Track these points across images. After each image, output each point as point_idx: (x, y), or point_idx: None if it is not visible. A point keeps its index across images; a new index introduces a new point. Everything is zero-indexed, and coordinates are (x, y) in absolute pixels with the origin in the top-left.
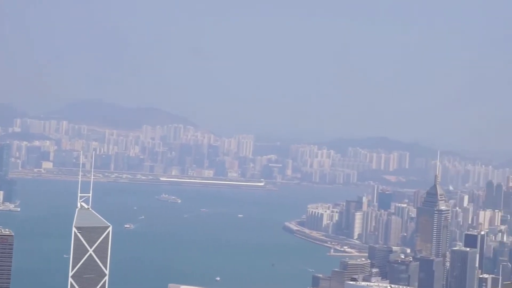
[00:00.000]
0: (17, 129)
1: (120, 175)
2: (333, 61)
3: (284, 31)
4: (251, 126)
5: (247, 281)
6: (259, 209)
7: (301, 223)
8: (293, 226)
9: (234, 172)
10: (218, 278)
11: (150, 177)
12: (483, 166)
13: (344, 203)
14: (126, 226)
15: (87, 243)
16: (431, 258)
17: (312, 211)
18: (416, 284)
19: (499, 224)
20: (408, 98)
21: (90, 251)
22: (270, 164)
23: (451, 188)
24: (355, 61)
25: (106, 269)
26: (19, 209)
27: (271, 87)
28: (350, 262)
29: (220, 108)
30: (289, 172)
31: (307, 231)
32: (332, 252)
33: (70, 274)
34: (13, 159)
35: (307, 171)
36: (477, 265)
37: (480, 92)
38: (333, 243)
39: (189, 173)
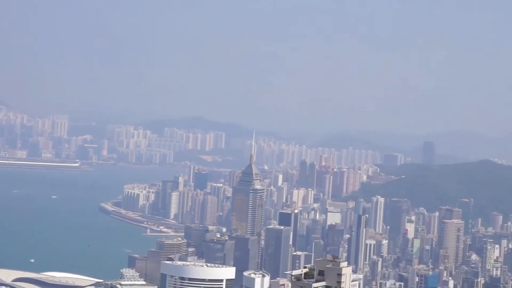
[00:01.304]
0: None
1: None
2: (153, 43)
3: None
4: (66, 106)
5: (62, 262)
6: (74, 190)
7: (117, 204)
8: (109, 207)
9: (49, 153)
10: (32, 260)
11: None
12: (297, 145)
13: (161, 183)
14: None
15: None
16: (247, 236)
17: (128, 192)
18: (232, 262)
19: (312, 202)
20: (225, 79)
21: None
22: (85, 145)
23: (266, 167)
24: (175, 43)
25: None
26: None
27: (88, 66)
28: (167, 242)
29: (34, 88)
30: (105, 152)
31: (123, 211)
32: (148, 232)
33: None
34: None
35: (123, 152)
36: (291, 242)
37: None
38: (149, 223)
39: (1, 154)
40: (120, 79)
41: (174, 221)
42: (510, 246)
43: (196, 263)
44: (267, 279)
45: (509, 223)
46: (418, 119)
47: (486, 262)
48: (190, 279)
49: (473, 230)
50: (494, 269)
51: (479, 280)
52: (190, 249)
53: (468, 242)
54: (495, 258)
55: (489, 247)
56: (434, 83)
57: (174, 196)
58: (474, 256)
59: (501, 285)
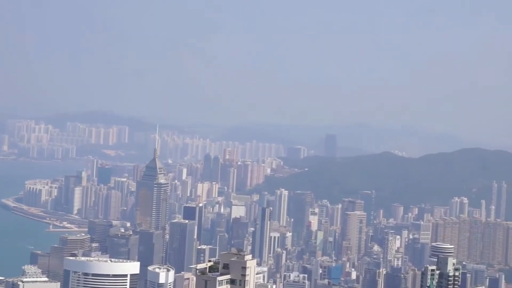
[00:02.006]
0: None
1: None
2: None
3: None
4: None
5: None
6: None
7: (18, 200)
8: (10, 203)
9: None
10: None
11: None
12: (201, 139)
13: (63, 179)
14: None
15: None
16: (151, 231)
17: (30, 187)
18: (136, 257)
19: (216, 196)
20: (129, 72)
21: None
22: None
23: (170, 161)
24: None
25: None
26: None
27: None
28: (70, 237)
29: None
30: (5, 147)
31: (25, 207)
32: (51, 228)
33: None
34: None
35: (25, 147)
36: (195, 236)
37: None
38: (52, 219)
39: None
40: (19, 73)
41: (78, 217)
42: (411, 237)
43: (100, 259)
44: (171, 273)
45: (410, 214)
46: (319, 111)
47: (387, 253)
48: (94, 274)
49: (375, 222)
50: (395, 259)
51: (380, 270)
52: (93, 245)
53: (370, 234)
54: (396, 248)
55: (390, 238)
56: (334, 76)
57: (77, 191)
58: (376, 247)
59: (402, 275)
